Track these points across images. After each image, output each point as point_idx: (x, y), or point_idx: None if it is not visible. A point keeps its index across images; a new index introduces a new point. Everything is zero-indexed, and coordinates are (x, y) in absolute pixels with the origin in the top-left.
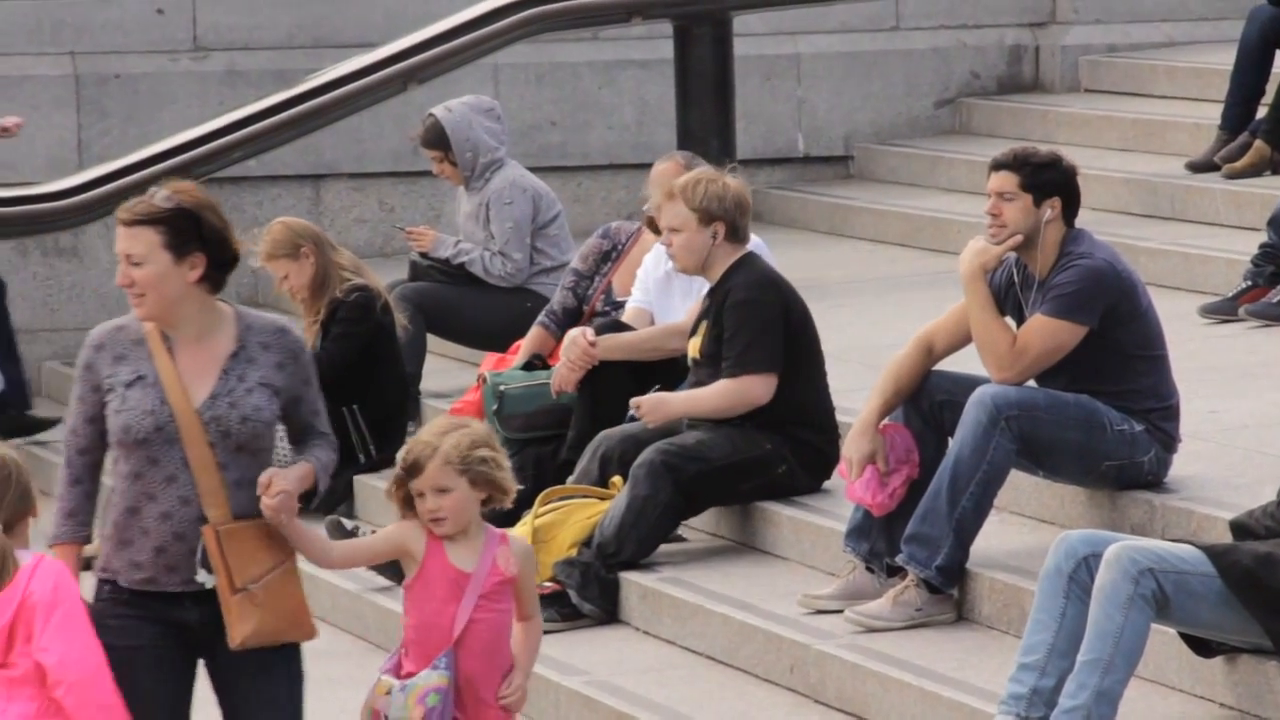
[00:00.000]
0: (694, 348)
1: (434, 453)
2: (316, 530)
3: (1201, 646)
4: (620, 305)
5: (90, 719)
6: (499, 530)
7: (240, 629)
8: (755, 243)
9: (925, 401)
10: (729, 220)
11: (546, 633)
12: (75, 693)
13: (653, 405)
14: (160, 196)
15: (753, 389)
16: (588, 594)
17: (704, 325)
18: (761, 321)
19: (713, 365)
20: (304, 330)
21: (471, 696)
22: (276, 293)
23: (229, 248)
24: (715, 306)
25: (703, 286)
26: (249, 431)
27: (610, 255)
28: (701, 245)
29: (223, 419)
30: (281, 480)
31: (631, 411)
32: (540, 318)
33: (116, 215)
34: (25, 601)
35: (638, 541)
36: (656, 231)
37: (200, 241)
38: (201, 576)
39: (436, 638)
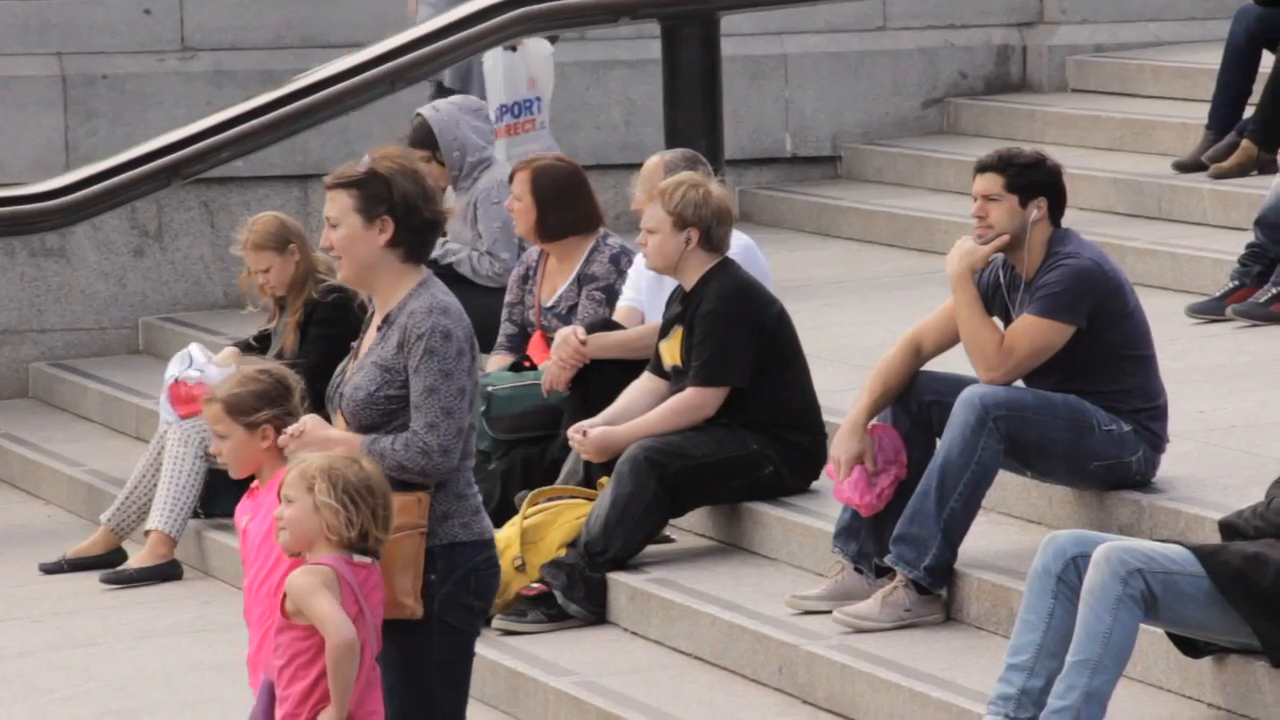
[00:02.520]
0: (671, 354)
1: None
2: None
3: (1189, 647)
4: (554, 310)
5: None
6: None
7: None
8: (745, 243)
9: (913, 402)
10: (704, 228)
11: (534, 634)
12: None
13: (598, 443)
14: (362, 161)
15: (704, 403)
16: (574, 595)
17: (678, 330)
18: (725, 335)
19: None
20: (281, 330)
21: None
22: (242, 283)
23: (419, 214)
24: (689, 313)
25: None
26: (352, 408)
27: (529, 276)
28: (674, 249)
29: (344, 394)
30: (307, 426)
31: (569, 440)
32: (496, 347)
33: (323, 181)
34: None
35: (624, 538)
36: None
37: (390, 205)
38: None
39: None
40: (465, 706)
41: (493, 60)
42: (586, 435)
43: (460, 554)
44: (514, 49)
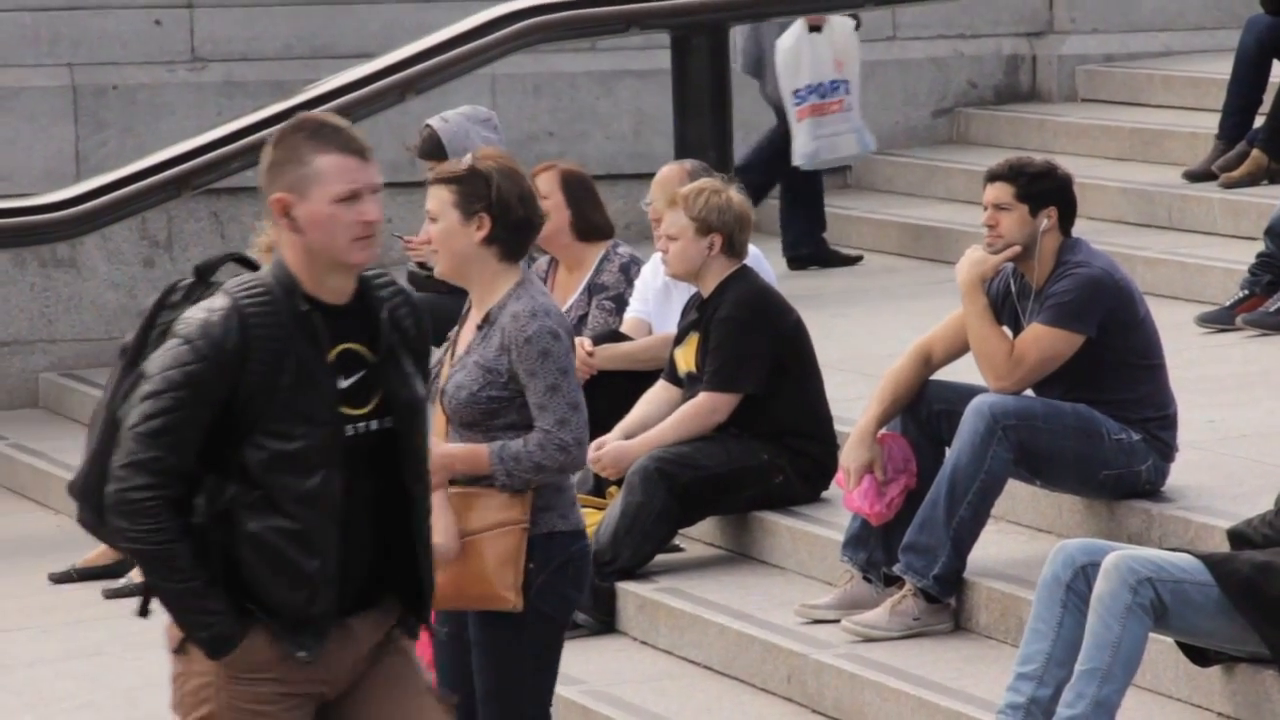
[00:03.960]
0: (687, 360)
1: None
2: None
3: (1199, 655)
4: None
5: None
6: None
7: None
8: (753, 253)
9: (923, 411)
10: (727, 233)
11: None
12: None
13: (614, 459)
14: (464, 160)
15: (716, 407)
16: (582, 604)
17: (694, 337)
18: (741, 341)
19: None
20: None
21: None
22: None
23: (515, 212)
24: (706, 320)
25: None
26: (454, 406)
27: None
28: (696, 255)
29: (446, 392)
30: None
31: (589, 463)
32: None
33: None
34: None
35: (633, 548)
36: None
37: (487, 203)
38: None
39: None
40: (552, 692)
41: (792, 41)
42: (602, 450)
43: (557, 543)
44: (818, 29)
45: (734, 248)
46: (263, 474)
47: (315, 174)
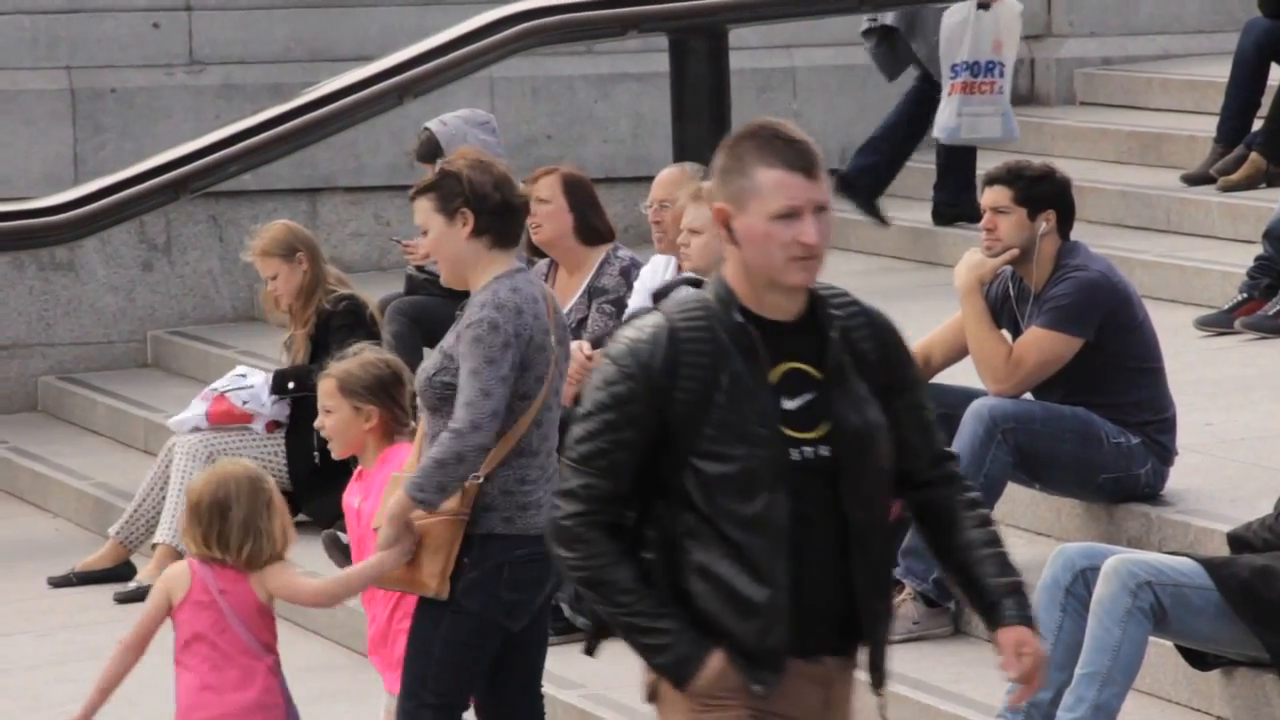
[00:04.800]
0: None
1: None
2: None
3: (1198, 659)
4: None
5: None
6: None
7: None
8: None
9: None
10: None
11: None
12: None
13: None
14: (436, 166)
15: None
16: (581, 607)
17: None
18: None
19: None
20: (293, 342)
21: None
22: (263, 297)
23: (492, 198)
24: None
25: None
26: (419, 390)
27: None
28: (719, 250)
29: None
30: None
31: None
32: None
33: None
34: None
35: None
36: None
37: (465, 198)
38: None
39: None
40: (465, 694)
41: (962, 15)
42: None
43: (496, 545)
44: (986, 7)
45: None
46: (705, 499)
47: (755, 187)
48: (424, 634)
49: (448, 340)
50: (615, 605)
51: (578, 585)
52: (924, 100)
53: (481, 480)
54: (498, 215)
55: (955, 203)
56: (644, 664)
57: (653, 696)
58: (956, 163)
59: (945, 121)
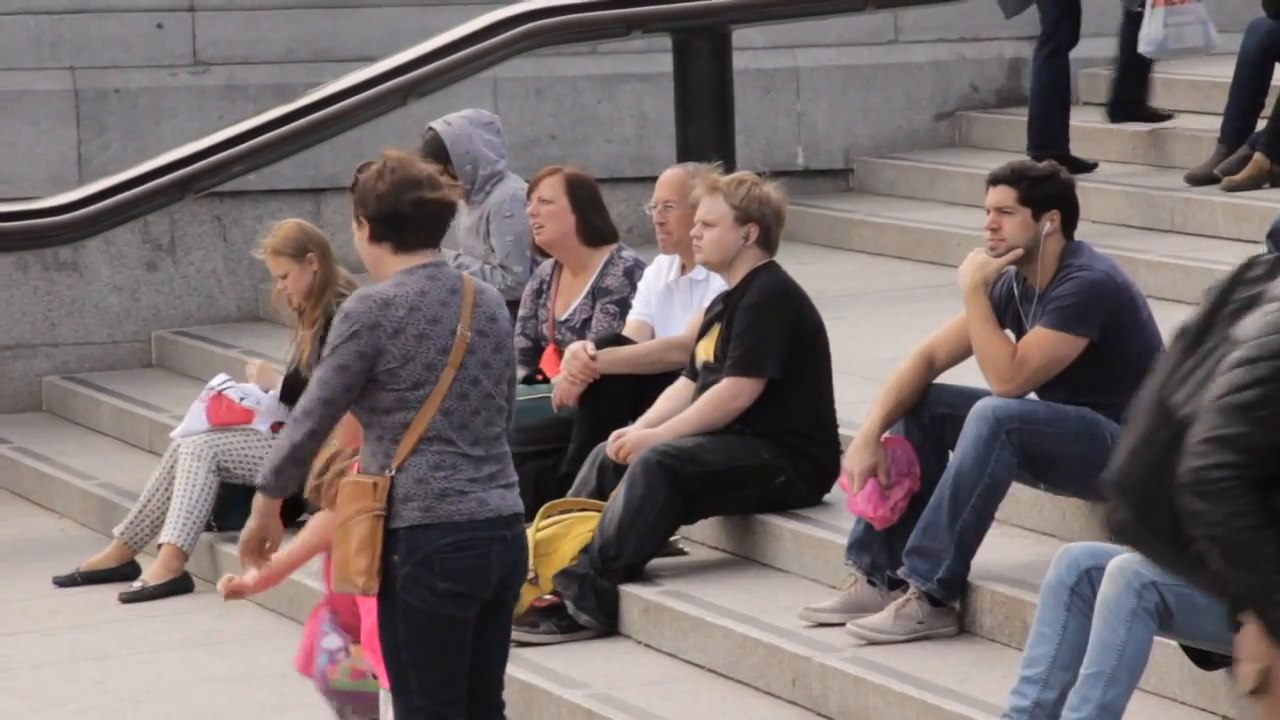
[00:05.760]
0: (706, 351)
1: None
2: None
3: (1204, 659)
4: (568, 323)
5: None
6: None
7: None
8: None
9: (926, 414)
10: (765, 225)
11: (546, 645)
12: None
13: (636, 444)
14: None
15: (739, 392)
16: (584, 605)
17: (717, 328)
18: (766, 327)
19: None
20: (299, 342)
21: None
22: (274, 295)
23: (370, 205)
24: (730, 309)
25: (703, 300)
26: None
27: (543, 289)
28: (732, 244)
29: None
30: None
31: (608, 452)
32: None
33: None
34: None
35: (637, 542)
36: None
37: (359, 204)
38: None
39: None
40: (447, 688)
41: None
42: (625, 437)
43: (420, 537)
44: None
45: (768, 241)
46: None
47: None
48: (388, 639)
49: None
50: (1252, 570)
51: (1208, 543)
52: (1133, 21)
53: (393, 474)
54: (387, 223)
55: (1133, 100)
56: (1272, 641)
57: (1260, 688)
58: (1141, 63)
59: (1153, 34)
